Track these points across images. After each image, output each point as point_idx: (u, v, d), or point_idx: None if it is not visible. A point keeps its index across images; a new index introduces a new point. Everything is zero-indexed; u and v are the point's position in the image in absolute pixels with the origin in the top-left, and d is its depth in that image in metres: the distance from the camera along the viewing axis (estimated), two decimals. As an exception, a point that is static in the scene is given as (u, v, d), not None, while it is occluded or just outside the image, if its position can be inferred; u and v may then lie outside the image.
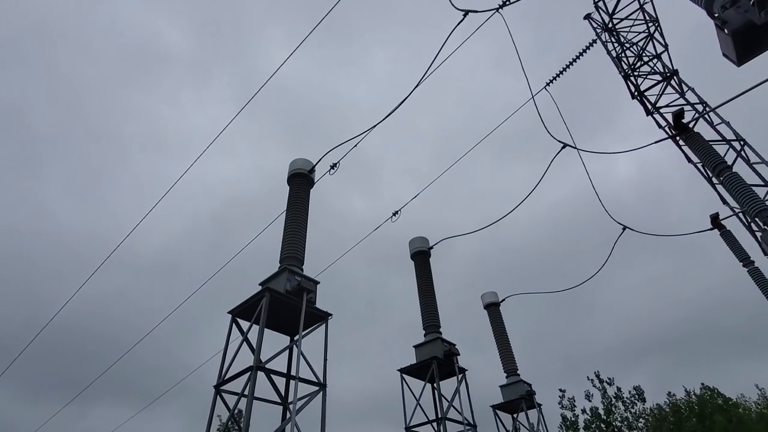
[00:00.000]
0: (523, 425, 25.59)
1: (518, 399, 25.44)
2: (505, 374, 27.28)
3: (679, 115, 16.44)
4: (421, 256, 25.12)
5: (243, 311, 15.57)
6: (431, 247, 25.34)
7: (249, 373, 12.90)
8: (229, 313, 15.72)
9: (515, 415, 26.42)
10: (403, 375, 21.33)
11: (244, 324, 15.69)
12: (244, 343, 14.91)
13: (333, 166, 21.40)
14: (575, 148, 19.80)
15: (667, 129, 18.98)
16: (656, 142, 18.75)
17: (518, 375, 26.97)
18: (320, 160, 19.78)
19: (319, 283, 16.80)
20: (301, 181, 19.86)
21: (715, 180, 17.32)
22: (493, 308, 29.77)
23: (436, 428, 19.32)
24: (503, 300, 30.10)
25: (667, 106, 19.46)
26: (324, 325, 15.98)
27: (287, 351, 16.59)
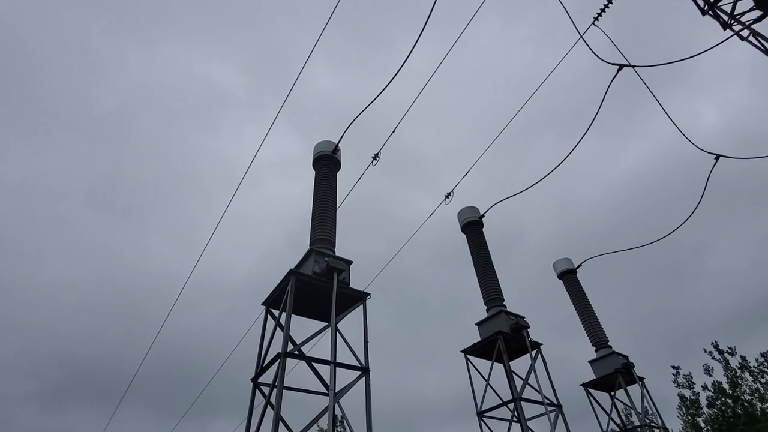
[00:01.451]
0: (624, 403, 22.27)
1: (612, 373, 22.16)
2: (594, 348, 24.06)
3: (760, -12, 12.96)
4: (472, 226, 22.93)
5: (275, 301, 14.74)
6: (482, 216, 23.02)
7: (278, 361, 11.90)
8: (262, 304, 14.97)
9: (612, 393, 23.11)
10: (468, 356, 19.31)
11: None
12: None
13: (375, 157, 20.05)
14: (632, 66, 16.68)
15: (752, 39, 15.44)
16: (729, 38, 15.28)
17: (610, 347, 23.62)
18: (341, 138, 18.57)
19: (351, 262, 15.51)
20: (326, 163, 18.80)
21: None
22: (568, 276, 26.57)
23: (511, 410, 17.09)
24: (579, 265, 26.76)
25: (750, 10, 15.88)
26: (362, 306, 14.65)
27: (331, 338, 15.49)
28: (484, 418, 17.70)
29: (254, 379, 13.25)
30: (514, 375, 18.86)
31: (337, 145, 18.96)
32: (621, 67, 17.57)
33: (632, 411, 25.93)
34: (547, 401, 17.23)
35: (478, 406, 17.87)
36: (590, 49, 18.04)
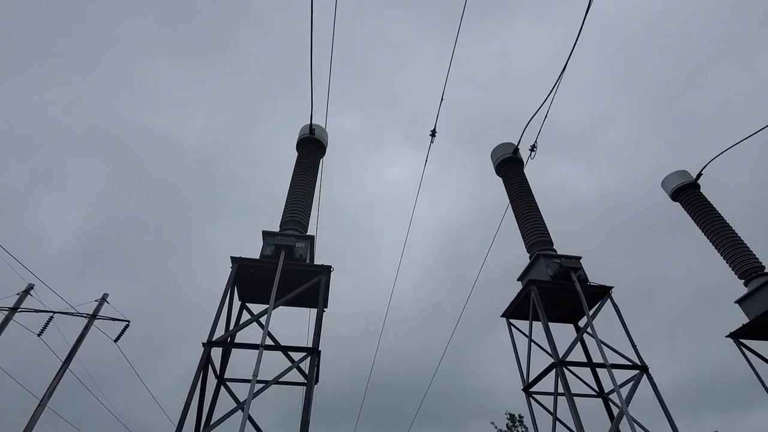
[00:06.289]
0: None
1: (771, 312, 14.81)
2: (743, 281, 16.69)
3: None
4: (508, 164, 18.62)
5: (245, 292, 14.26)
6: (517, 150, 18.50)
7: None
8: (239, 299, 14.64)
9: (785, 341, 15.42)
10: (510, 320, 15.29)
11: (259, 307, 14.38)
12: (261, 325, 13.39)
13: (532, 149, 18.20)
14: None
15: None
16: None
17: (767, 275, 16.07)
18: (311, 118, 17.32)
19: (311, 237, 14.04)
20: (305, 146, 17.82)
21: None
22: (688, 194, 19.33)
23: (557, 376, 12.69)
24: (700, 174, 19.26)
25: None
26: (322, 281, 12.96)
27: (266, 321, 14.18)
28: (534, 396, 13.60)
29: (220, 377, 12.82)
30: (589, 334, 14.33)
31: (311, 127, 17.83)
32: None
33: None
34: (610, 363, 12.33)
35: (525, 379, 13.84)
36: None
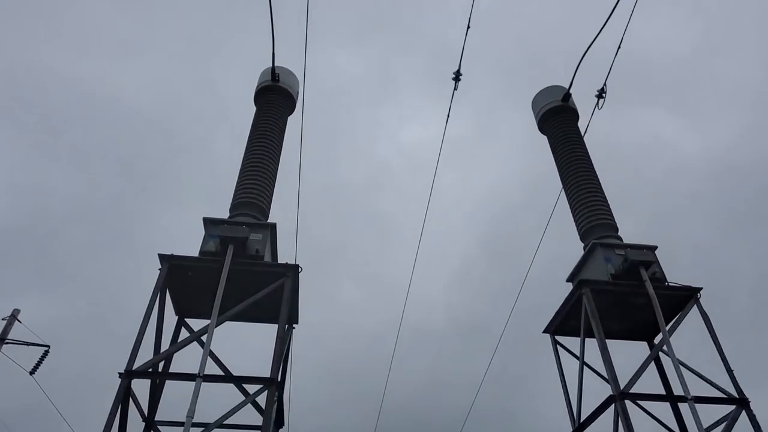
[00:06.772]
0: None
1: None
2: None
3: None
4: (556, 117, 18.04)
5: (184, 304, 14.18)
6: (567, 94, 17.88)
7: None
8: (176, 314, 14.57)
9: None
10: (556, 337, 14.95)
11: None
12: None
13: (600, 95, 17.62)
14: None
15: None
16: None
17: None
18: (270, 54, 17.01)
19: (271, 225, 13.80)
20: (268, 98, 17.48)
21: None
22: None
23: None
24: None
25: None
26: (284, 286, 12.74)
27: (206, 341, 14.10)
28: (588, 439, 13.33)
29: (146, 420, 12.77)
30: (665, 353, 14.08)
31: (274, 71, 17.41)
32: None
33: None
34: (716, 394, 12.00)
35: (575, 419, 13.56)
36: None
